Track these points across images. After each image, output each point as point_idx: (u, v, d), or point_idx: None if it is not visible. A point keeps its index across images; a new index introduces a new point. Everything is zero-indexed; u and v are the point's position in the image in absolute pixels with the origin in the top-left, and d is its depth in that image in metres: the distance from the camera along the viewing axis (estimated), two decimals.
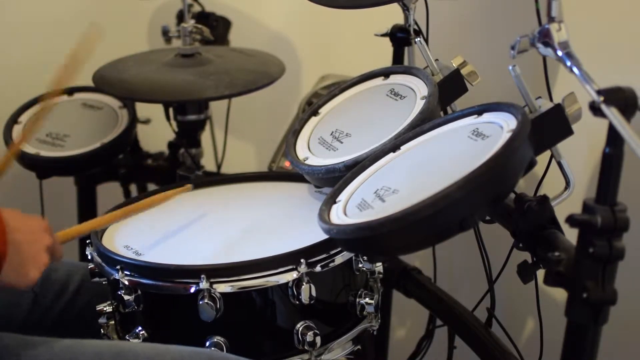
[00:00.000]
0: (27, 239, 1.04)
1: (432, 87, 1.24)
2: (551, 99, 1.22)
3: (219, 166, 2.09)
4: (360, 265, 1.21)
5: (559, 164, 1.12)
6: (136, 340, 1.17)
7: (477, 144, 1.03)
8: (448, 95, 1.29)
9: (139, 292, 1.15)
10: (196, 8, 1.98)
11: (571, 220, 0.88)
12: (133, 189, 2.02)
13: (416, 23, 1.46)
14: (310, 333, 1.14)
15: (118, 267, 1.15)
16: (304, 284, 1.11)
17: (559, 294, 0.93)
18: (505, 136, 0.98)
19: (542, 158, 1.08)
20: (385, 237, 0.96)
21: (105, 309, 1.23)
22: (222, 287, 1.11)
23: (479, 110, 1.10)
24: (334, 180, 1.18)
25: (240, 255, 1.14)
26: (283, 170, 1.73)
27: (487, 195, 0.94)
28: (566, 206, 1.02)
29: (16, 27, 2.07)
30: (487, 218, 1.19)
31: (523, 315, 1.80)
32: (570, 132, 1.05)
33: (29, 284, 1.05)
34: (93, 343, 1.12)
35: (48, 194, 1.83)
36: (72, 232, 1.18)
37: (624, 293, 0.90)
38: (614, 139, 0.86)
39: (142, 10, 2.20)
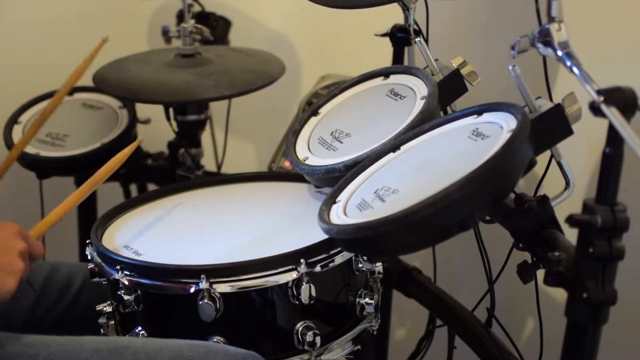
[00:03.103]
0: None
1: (432, 87, 1.24)
2: (551, 99, 1.22)
3: (219, 166, 2.09)
4: (360, 265, 1.21)
5: (559, 164, 1.12)
6: None
7: (477, 144, 1.03)
8: (448, 95, 1.29)
9: (139, 292, 1.15)
10: (196, 8, 1.98)
11: (571, 220, 0.88)
12: (133, 189, 2.02)
13: (416, 23, 1.46)
14: (310, 333, 1.14)
15: (118, 267, 1.15)
16: (304, 284, 1.11)
17: (559, 294, 0.93)
18: (505, 136, 0.98)
19: (542, 158, 1.08)
20: (385, 237, 0.96)
21: (105, 309, 1.22)
22: (222, 287, 1.11)
23: (479, 110, 1.10)
24: (334, 180, 1.18)
25: (240, 255, 1.14)
26: (283, 170, 1.73)
27: (487, 195, 0.94)
28: (566, 206, 1.02)
29: (16, 27, 2.07)
30: (487, 218, 1.19)
31: (523, 315, 1.80)
32: (570, 132, 1.05)
33: (8, 293, 1.04)
34: (91, 339, 1.12)
35: (48, 194, 1.83)
36: (43, 225, 1.19)
37: (624, 293, 0.90)
38: (614, 139, 0.86)
39: (142, 10, 2.20)
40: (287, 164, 1.73)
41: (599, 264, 0.88)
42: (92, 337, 1.13)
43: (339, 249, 1.16)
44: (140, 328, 1.17)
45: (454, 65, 1.30)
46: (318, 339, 1.14)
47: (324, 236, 1.05)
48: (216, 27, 1.96)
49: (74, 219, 1.97)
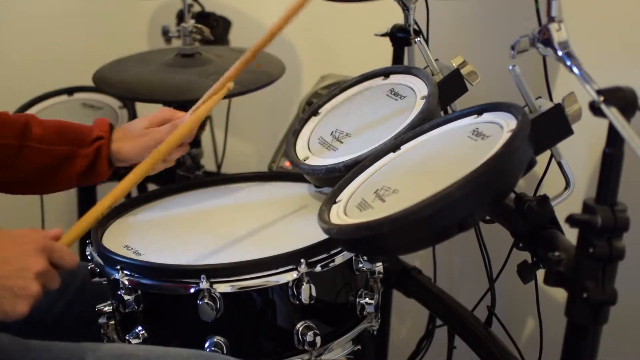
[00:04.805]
0: (7, 273, 0.95)
1: (432, 87, 1.24)
2: (551, 99, 1.22)
3: (219, 166, 2.09)
4: (360, 265, 1.21)
5: (559, 164, 1.12)
6: (136, 341, 1.16)
7: (477, 144, 1.03)
8: (448, 95, 1.29)
9: (139, 292, 1.15)
10: (196, 8, 1.99)
11: (571, 220, 0.88)
12: (133, 189, 2.02)
13: (416, 23, 1.46)
14: (310, 333, 1.14)
15: (118, 267, 1.15)
16: (304, 284, 1.11)
17: (559, 294, 0.93)
18: (505, 136, 0.98)
19: (542, 158, 1.08)
20: (385, 237, 0.96)
21: (105, 309, 1.22)
22: (222, 287, 1.10)
23: (479, 110, 1.10)
24: (334, 180, 1.18)
25: (240, 255, 1.14)
26: (283, 170, 1.73)
27: (487, 195, 0.94)
28: (566, 206, 1.02)
29: (16, 27, 2.07)
30: (487, 218, 1.19)
31: (523, 315, 1.80)
32: (570, 132, 1.05)
33: (19, 317, 0.96)
34: (93, 346, 1.11)
35: (48, 195, 1.83)
36: (74, 233, 1.10)
37: (624, 293, 0.90)
38: (614, 139, 0.86)
39: (142, 10, 2.21)
40: (287, 164, 1.73)
41: (599, 264, 0.88)
42: (96, 343, 1.13)
43: (339, 248, 1.16)
44: (140, 328, 1.17)
45: (454, 65, 1.30)
46: (318, 339, 1.14)
47: (324, 236, 1.05)
48: (216, 27, 1.96)
49: (74, 219, 1.97)
